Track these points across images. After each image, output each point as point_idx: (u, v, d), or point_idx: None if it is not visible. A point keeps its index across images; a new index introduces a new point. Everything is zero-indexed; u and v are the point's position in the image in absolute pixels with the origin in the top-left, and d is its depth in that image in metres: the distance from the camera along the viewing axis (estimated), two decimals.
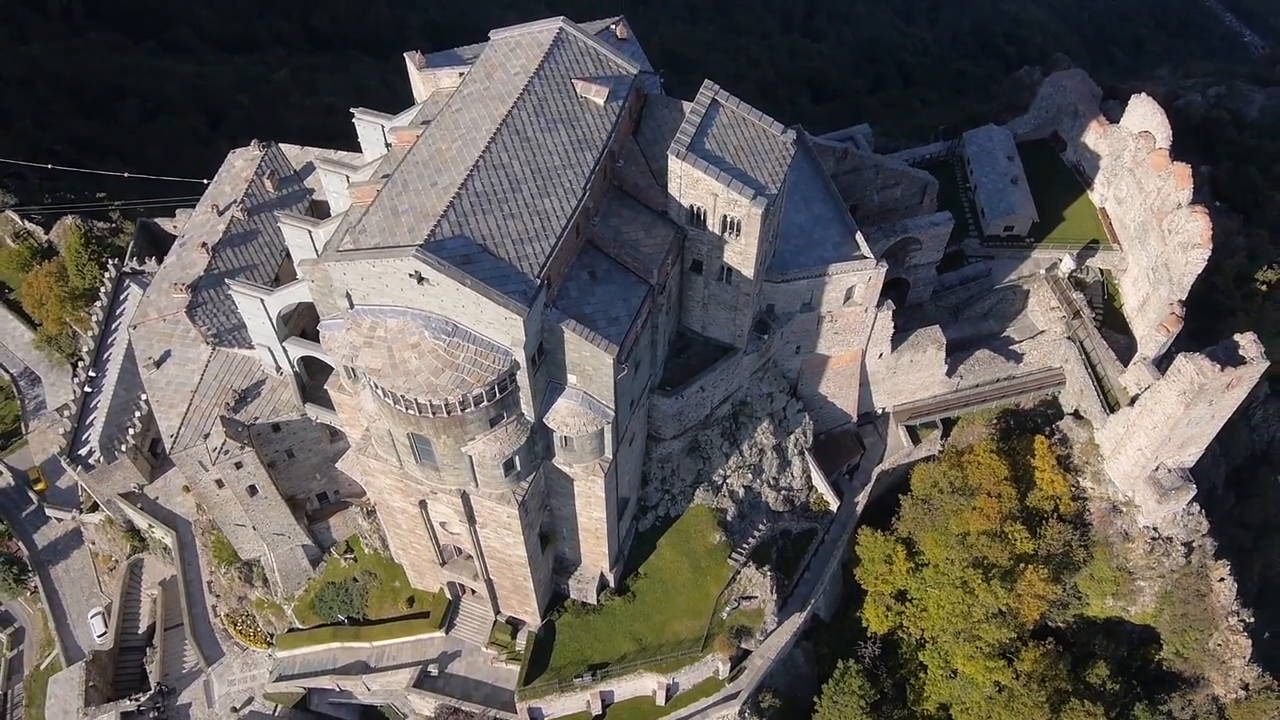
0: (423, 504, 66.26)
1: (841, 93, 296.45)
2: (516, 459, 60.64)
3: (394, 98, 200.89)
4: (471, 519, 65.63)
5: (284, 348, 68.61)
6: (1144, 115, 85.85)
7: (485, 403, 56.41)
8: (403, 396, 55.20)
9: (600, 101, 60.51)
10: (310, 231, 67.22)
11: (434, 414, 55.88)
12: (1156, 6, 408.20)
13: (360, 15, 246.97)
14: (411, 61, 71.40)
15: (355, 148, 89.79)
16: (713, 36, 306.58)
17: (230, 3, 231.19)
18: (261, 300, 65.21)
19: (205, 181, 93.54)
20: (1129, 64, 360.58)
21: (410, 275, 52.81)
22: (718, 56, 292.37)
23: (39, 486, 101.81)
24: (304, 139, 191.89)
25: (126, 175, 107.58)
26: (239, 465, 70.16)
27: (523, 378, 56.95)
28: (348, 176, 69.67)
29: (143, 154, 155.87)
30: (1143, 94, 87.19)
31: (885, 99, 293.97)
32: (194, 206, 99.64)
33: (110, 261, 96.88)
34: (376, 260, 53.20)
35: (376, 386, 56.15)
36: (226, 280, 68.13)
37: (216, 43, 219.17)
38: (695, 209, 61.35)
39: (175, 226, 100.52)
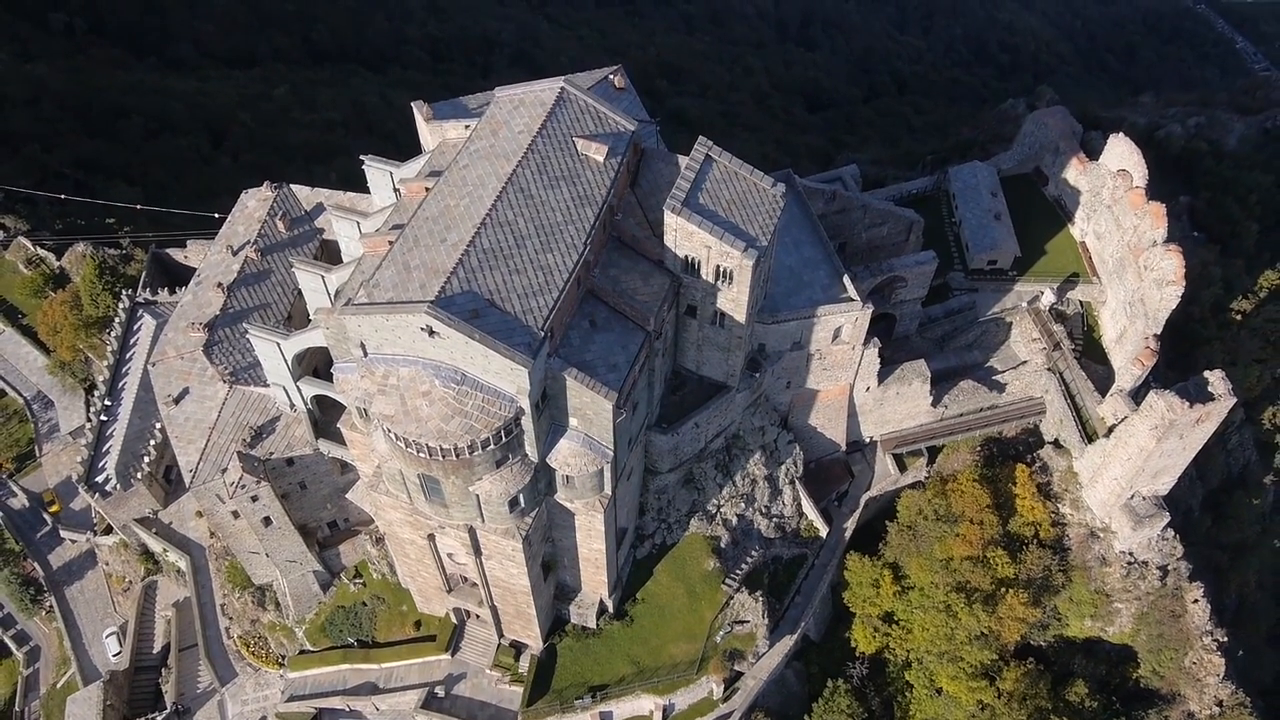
0: (431, 537, 69.69)
1: (836, 102, 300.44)
2: (521, 497, 64.02)
3: (392, 112, 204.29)
4: (478, 551, 68.99)
5: (298, 387, 71.83)
6: (1122, 154, 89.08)
7: (492, 446, 59.77)
8: (414, 441, 58.56)
9: (600, 159, 63.87)
10: (324, 277, 70.65)
11: (444, 457, 59.27)
12: (1150, 14, 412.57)
13: (359, 29, 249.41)
14: (419, 112, 74.58)
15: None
16: (708, 47, 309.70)
17: (230, 18, 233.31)
18: (278, 344, 68.39)
19: (217, 215, 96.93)
20: (1122, 71, 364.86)
21: (422, 329, 56.18)
22: (713, 67, 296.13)
23: (53, 508, 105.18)
24: (305, 155, 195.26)
25: (140, 207, 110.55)
26: (255, 498, 73.45)
27: (527, 422, 60.34)
28: (358, 223, 72.88)
29: (147, 173, 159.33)
30: (1120, 134, 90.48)
31: (879, 108, 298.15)
32: (202, 237, 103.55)
33: (124, 292, 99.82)
34: (390, 315, 56.56)
35: (389, 431, 59.48)
36: (244, 324, 71.23)
37: (217, 58, 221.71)
38: (690, 259, 64.69)
39: (186, 257, 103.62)
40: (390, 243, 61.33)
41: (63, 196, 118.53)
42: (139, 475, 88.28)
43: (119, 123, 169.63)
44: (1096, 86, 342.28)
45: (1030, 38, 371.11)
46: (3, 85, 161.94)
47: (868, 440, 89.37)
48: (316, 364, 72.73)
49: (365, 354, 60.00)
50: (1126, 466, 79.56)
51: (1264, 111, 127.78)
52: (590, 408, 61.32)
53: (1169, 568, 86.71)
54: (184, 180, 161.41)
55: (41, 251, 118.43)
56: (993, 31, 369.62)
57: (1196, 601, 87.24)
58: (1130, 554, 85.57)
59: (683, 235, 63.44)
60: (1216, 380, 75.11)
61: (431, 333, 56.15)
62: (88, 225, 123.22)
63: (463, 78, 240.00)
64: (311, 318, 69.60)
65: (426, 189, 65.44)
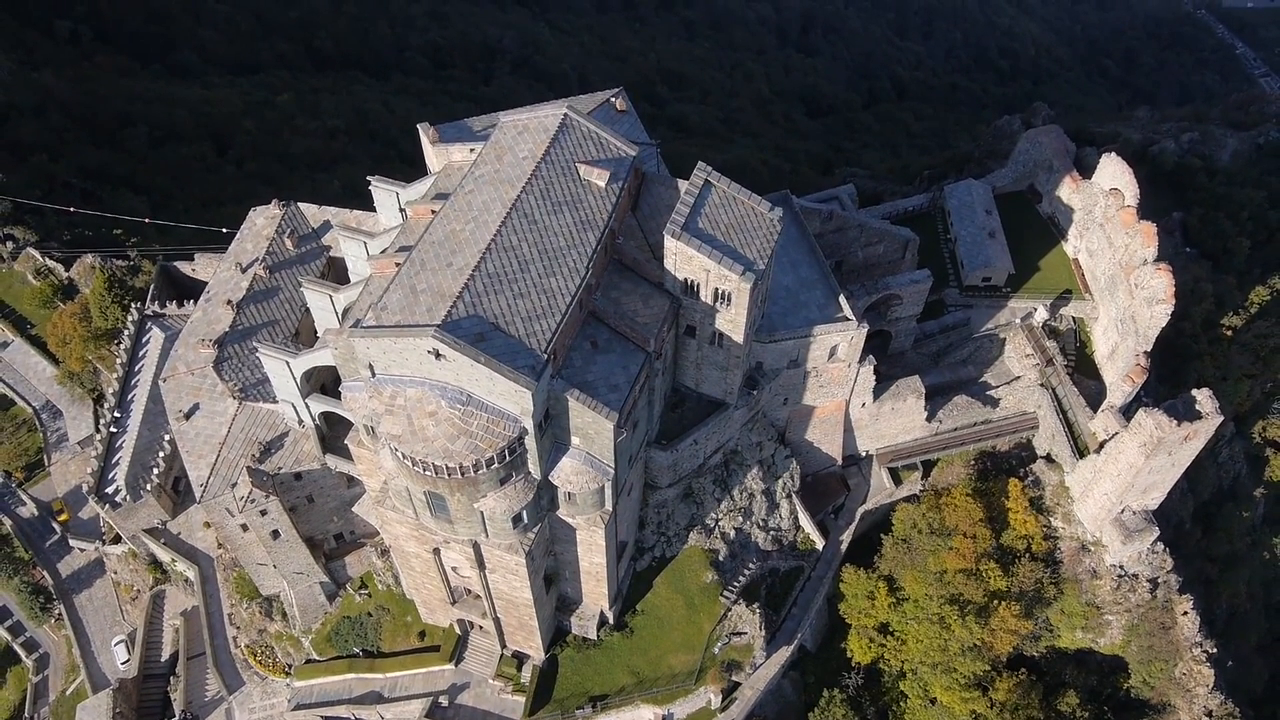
0: (436, 551, 71.33)
1: (836, 108, 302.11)
2: (524, 513, 65.62)
3: (395, 119, 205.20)
4: (482, 565, 70.66)
5: (307, 404, 73.47)
6: (1114, 173, 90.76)
7: (496, 465, 61.35)
8: (421, 459, 60.14)
9: (602, 184, 65.46)
10: (331, 296, 72.25)
11: (449, 475, 60.87)
12: (1149, 20, 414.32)
13: (362, 36, 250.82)
14: (425, 135, 76.10)
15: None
16: (709, 53, 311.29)
17: (234, 25, 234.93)
18: (287, 362, 70.02)
19: (225, 230, 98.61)
20: (1121, 77, 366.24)
21: (429, 352, 57.81)
22: (714, 73, 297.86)
23: (62, 517, 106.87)
24: (308, 164, 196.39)
25: (148, 221, 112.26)
26: (264, 512, 75.13)
27: (530, 441, 61.94)
28: (365, 243, 74.47)
29: (153, 182, 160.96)
30: (1112, 153, 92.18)
31: (879, 114, 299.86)
32: (210, 249, 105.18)
33: (133, 305, 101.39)
34: (398, 338, 58.20)
35: (396, 450, 61.09)
36: (254, 342, 72.85)
37: (220, 65, 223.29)
38: (689, 282, 66.28)
39: (194, 270, 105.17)
40: (397, 265, 62.99)
41: (71, 209, 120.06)
42: (148, 486, 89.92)
43: (125, 131, 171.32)
44: (1096, 93, 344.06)
45: (1030, 43, 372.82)
46: (10, 94, 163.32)
47: (863, 454, 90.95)
48: (324, 381, 74.35)
49: (373, 374, 61.59)
50: (1117, 482, 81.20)
51: (1257, 127, 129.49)
52: (592, 427, 62.94)
53: (1159, 580, 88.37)
54: (189, 189, 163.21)
55: (50, 263, 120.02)
56: (992, 37, 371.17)
57: (1186, 613, 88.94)
58: (1121, 567, 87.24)
59: (682, 259, 65.05)
60: (1204, 399, 76.75)
61: (438, 355, 57.75)
62: (95, 236, 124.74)
63: (465, 84, 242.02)
64: (320, 337, 71.21)
65: (433, 211, 67.03)
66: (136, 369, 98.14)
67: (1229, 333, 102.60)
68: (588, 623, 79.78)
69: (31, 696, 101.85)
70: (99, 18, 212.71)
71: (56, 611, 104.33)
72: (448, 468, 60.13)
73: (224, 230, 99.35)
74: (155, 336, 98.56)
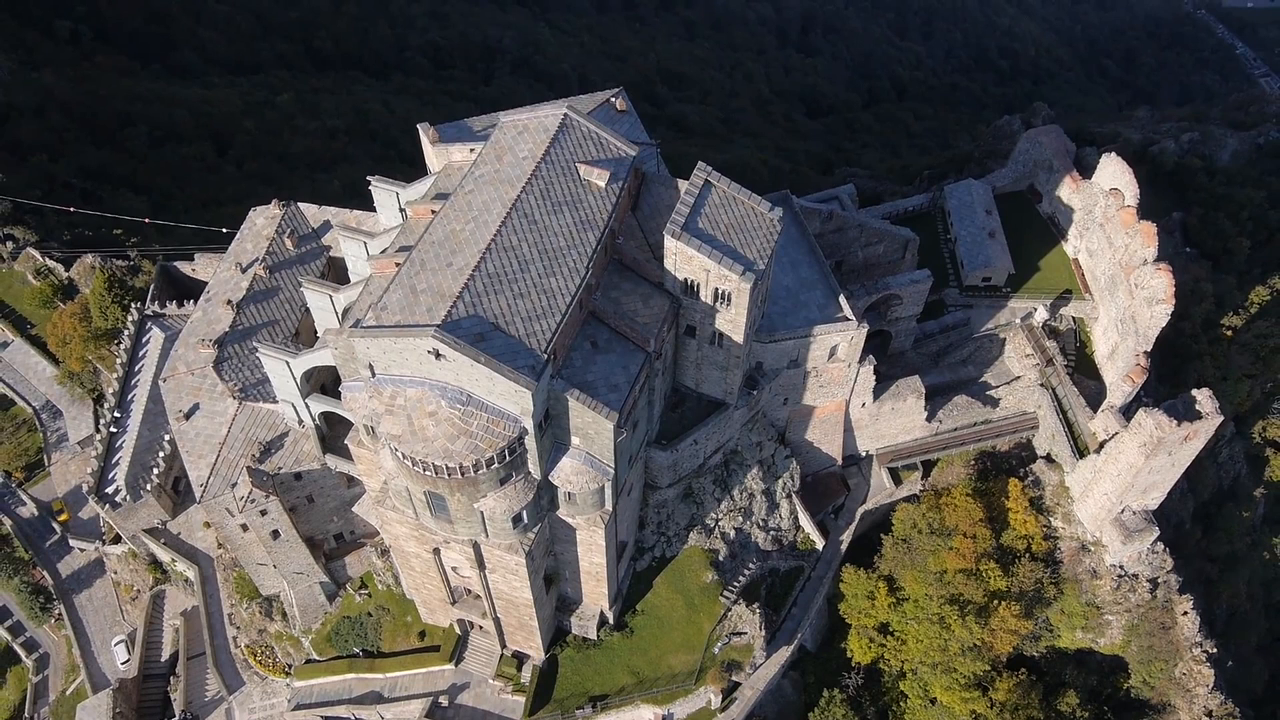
0: (436, 551, 71.34)
1: (836, 108, 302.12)
2: (524, 513, 65.62)
3: (395, 119, 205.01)
4: (482, 565, 70.68)
5: (307, 404, 73.48)
6: (1114, 173, 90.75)
7: (496, 465, 61.35)
8: (421, 459, 60.14)
9: (602, 184, 65.45)
10: (331, 296, 72.23)
11: (449, 475, 60.88)
12: (1149, 19, 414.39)
13: (362, 36, 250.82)
14: (425, 135, 76.10)
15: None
16: (709, 53, 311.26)
17: (234, 25, 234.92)
18: (287, 362, 70.04)
19: (225, 230, 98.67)
20: (1121, 77, 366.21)
21: (429, 352, 57.81)
22: (714, 73, 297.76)
23: (62, 517, 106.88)
24: (308, 164, 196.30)
25: (148, 222, 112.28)
26: (264, 512, 75.14)
27: (530, 441, 61.94)
28: (365, 243, 74.49)
29: (153, 182, 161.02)
30: (1112, 153, 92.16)
31: (879, 114, 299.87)
32: (210, 249, 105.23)
33: (133, 305, 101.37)
34: (398, 338, 58.20)
35: (396, 450, 61.10)
36: (254, 342, 72.87)
37: (220, 65, 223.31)
38: (689, 282, 66.27)
39: (194, 270, 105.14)
40: (397, 265, 63.03)
41: (71, 209, 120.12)
42: (148, 486, 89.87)
43: (125, 131, 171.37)
44: (1096, 93, 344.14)
45: (1030, 43, 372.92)
46: (10, 95, 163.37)
47: (863, 454, 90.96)
48: (324, 381, 74.36)
49: (373, 374, 61.58)
50: (1116, 482, 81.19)
51: (1256, 127, 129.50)
52: (592, 427, 62.95)
53: (1159, 580, 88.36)
54: (189, 189, 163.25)
55: (50, 263, 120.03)
56: (992, 37, 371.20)
57: (1186, 614, 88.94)
58: (1121, 567, 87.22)
59: (682, 259, 65.04)
60: (1204, 399, 76.71)
61: (438, 355, 57.76)
62: (95, 236, 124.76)
63: (465, 84, 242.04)
64: (320, 337, 71.25)
65: (433, 211, 67.07)
66: (136, 369, 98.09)
67: (1229, 333, 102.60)
68: (588, 623, 79.79)
69: (31, 696, 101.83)
70: (99, 18, 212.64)
71: (56, 611, 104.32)
72: (448, 468, 60.13)
73: (224, 230, 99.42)
74: (155, 336, 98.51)
